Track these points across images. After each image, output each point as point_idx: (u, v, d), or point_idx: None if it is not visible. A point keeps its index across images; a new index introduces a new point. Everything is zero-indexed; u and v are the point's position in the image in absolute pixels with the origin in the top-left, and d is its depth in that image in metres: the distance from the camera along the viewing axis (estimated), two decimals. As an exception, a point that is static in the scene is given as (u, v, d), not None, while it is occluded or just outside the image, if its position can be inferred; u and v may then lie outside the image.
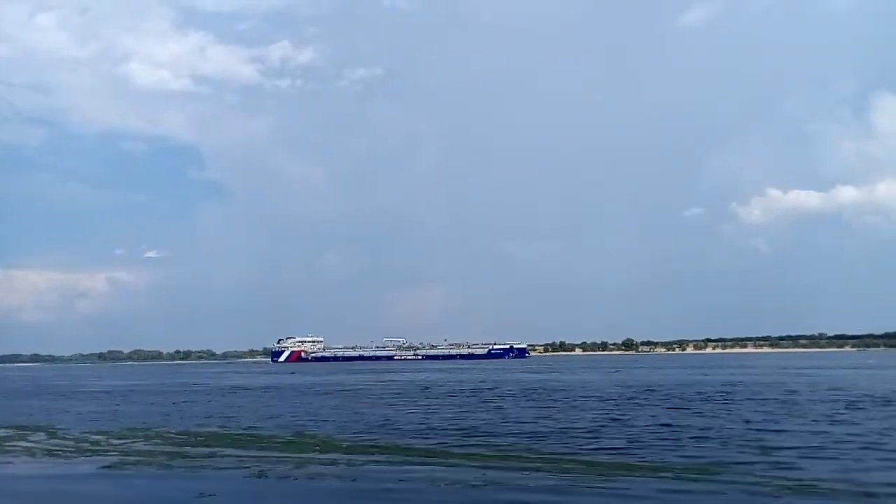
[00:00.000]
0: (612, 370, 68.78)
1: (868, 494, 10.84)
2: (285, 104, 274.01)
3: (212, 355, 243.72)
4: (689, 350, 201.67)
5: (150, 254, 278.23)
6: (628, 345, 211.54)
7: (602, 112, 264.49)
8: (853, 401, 26.42)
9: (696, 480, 12.02)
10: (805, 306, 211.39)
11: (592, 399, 30.11)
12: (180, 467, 14.36)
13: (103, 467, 14.49)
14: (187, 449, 16.85)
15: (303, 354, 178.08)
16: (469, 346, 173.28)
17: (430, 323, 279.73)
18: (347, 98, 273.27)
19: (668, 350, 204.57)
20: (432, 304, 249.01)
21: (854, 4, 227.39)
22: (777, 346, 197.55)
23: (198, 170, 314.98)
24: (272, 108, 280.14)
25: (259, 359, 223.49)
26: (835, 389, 32.92)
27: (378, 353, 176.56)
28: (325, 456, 15.29)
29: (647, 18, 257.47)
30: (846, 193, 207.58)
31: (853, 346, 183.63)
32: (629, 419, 21.38)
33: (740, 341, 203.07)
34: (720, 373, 56.78)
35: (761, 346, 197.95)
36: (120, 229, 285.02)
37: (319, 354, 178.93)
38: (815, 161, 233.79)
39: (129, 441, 18.68)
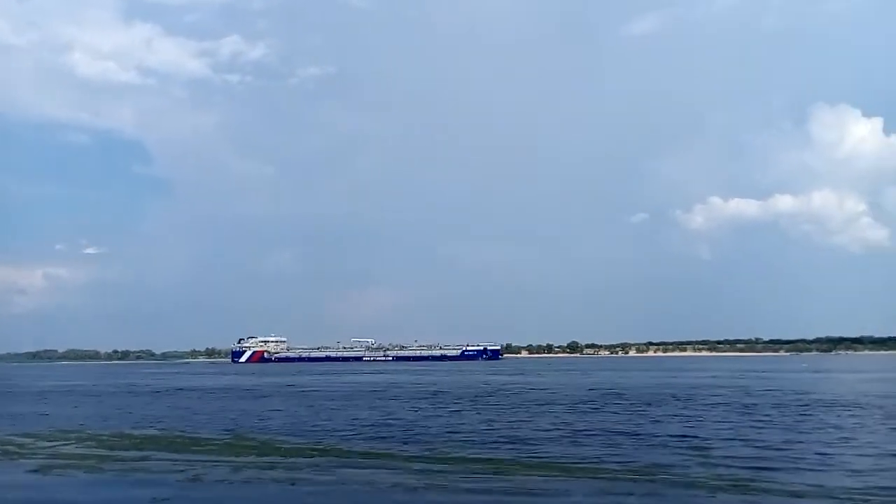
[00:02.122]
0: (582, 373, 69.32)
1: (795, 494, 11.16)
2: (235, 100, 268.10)
3: (151, 355, 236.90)
4: (632, 353, 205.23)
5: (90, 250, 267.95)
6: (573, 347, 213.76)
7: (552, 117, 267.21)
8: (806, 404, 27.45)
9: (633, 481, 12.20)
10: (743, 311, 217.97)
11: (550, 402, 30.11)
12: (111, 471, 13.86)
13: (29, 471, 13.91)
14: (120, 452, 16.31)
15: (265, 355, 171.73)
16: (441, 348, 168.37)
17: (379, 324, 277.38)
18: (299, 96, 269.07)
19: (612, 353, 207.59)
20: (379, 305, 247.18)
21: (791, 21, 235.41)
22: (715, 349, 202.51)
23: (142, 164, 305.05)
24: (221, 103, 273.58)
25: (201, 359, 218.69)
26: (801, 393, 33.63)
27: (346, 354, 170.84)
28: (264, 459, 14.99)
29: (596, 28, 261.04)
30: (784, 202, 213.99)
31: (787, 351, 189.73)
32: (580, 423, 21.50)
33: (680, 345, 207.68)
34: (688, 376, 57.89)
35: (700, 350, 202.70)
36: (59, 224, 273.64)
37: (283, 355, 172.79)
38: (755, 170, 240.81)
39: (59, 444, 18.02)
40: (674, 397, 32.03)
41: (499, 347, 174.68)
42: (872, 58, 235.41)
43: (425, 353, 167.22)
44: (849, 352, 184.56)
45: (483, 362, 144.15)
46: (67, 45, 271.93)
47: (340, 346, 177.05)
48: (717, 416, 23.17)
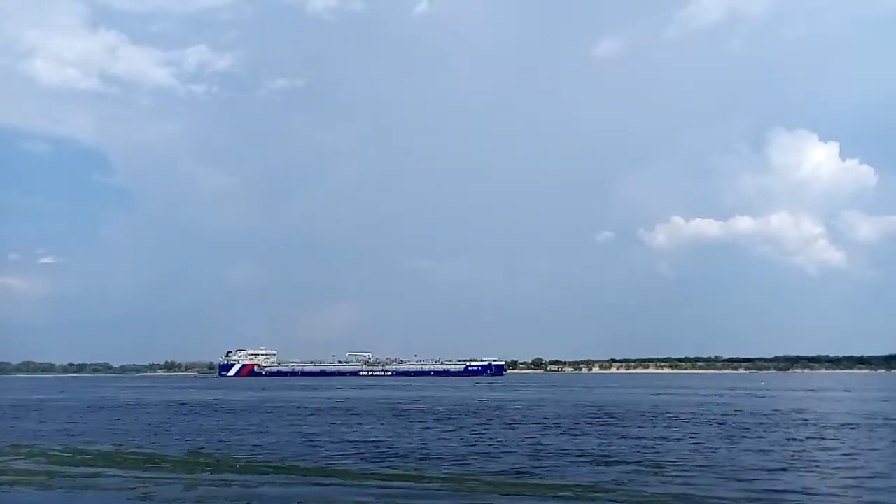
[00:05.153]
0: (585, 388, 69.55)
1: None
2: (201, 110, 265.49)
3: (108, 369, 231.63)
4: (595, 370, 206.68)
5: (46, 260, 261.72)
6: (537, 364, 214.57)
7: (522, 135, 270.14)
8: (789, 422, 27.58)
9: (593, 500, 12.21)
10: (703, 329, 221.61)
11: (536, 421, 29.17)
12: (60, 488, 13.45)
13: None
14: (71, 468, 15.85)
15: (255, 368, 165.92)
16: (443, 363, 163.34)
17: (336, 338, 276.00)
18: (266, 108, 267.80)
19: (576, 370, 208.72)
20: (339, 320, 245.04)
21: (750, 47, 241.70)
22: (676, 367, 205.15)
23: (103, 174, 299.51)
24: (186, 113, 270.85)
25: (161, 372, 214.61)
26: (798, 412, 33.70)
27: (342, 369, 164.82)
28: (218, 477, 14.66)
29: (567, 49, 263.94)
30: (743, 223, 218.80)
31: (745, 369, 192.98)
32: (552, 441, 21.28)
33: (642, 362, 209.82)
34: (677, 392, 58.71)
35: (662, 367, 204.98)
36: (15, 233, 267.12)
37: (275, 369, 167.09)
38: (716, 191, 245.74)
39: (8, 459, 17.50)
40: (661, 414, 32.14)
41: (503, 363, 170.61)
42: (830, 84, 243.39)
43: (426, 367, 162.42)
44: (805, 370, 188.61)
45: (487, 377, 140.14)
46: (30, 52, 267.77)
47: (336, 360, 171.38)
48: (707, 435, 22.98)
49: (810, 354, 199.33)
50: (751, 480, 14.08)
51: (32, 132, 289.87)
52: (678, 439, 21.49)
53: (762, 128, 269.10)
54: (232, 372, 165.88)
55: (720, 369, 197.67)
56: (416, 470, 15.50)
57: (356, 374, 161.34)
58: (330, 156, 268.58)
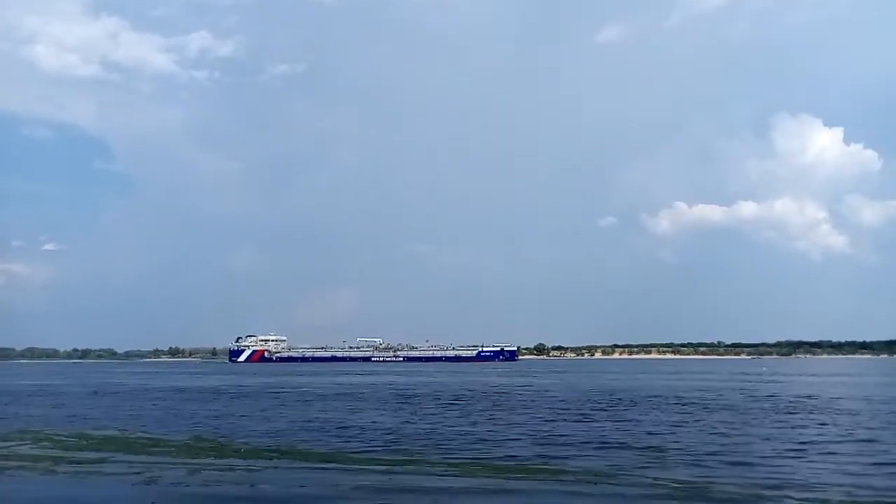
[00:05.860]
0: (592, 374, 69.65)
1: (758, 497, 11.27)
2: (203, 97, 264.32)
3: (112, 354, 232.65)
4: (598, 355, 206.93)
5: (48, 246, 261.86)
6: (540, 349, 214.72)
7: (528, 121, 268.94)
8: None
9: (595, 483, 12.25)
10: (705, 314, 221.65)
11: (547, 406, 29.06)
12: (65, 473, 13.51)
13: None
14: (76, 453, 15.90)
15: (266, 354, 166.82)
16: (455, 348, 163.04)
17: (339, 325, 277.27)
18: (267, 93, 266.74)
19: (578, 355, 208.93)
20: (341, 306, 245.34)
21: (753, 33, 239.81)
22: (679, 352, 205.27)
23: (105, 160, 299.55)
24: (188, 99, 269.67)
25: (164, 358, 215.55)
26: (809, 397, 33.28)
27: (353, 355, 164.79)
28: (222, 461, 14.72)
29: (570, 34, 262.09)
30: (747, 209, 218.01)
31: (748, 354, 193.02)
32: (559, 427, 21.19)
33: (645, 347, 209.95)
34: (689, 377, 58.74)
35: (665, 353, 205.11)
36: (16, 219, 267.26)
37: (286, 354, 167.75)
38: (719, 177, 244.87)
39: (14, 444, 17.54)
40: (668, 399, 32.05)
41: (515, 349, 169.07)
42: (834, 68, 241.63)
43: (438, 353, 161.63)
44: (808, 356, 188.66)
45: (500, 363, 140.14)
46: (30, 37, 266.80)
47: (346, 345, 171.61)
48: (715, 420, 22.81)
49: (813, 340, 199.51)
50: (759, 467, 14.06)
51: (33, 118, 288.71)
52: (686, 424, 21.52)
53: (766, 113, 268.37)
54: (242, 358, 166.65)
55: (722, 354, 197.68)
56: (420, 455, 15.55)
57: (367, 359, 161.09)
58: (331, 141, 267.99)
